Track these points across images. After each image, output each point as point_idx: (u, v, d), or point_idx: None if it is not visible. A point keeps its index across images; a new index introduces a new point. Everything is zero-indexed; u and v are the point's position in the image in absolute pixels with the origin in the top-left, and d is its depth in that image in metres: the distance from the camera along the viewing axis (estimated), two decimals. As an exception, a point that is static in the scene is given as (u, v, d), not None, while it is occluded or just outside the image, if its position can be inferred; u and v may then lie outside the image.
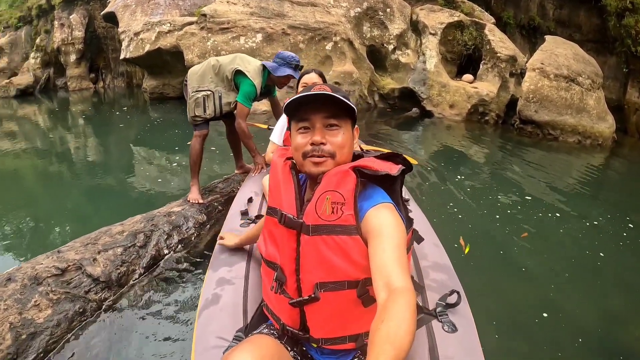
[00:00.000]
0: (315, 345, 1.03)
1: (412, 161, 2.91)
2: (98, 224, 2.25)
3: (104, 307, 1.78)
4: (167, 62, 8.78)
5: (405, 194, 2.01)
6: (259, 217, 1.94)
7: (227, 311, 1.26)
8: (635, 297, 2.30)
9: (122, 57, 9.02)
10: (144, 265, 2.06)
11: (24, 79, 12.14)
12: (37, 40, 12.62)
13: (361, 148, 2.45)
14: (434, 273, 1.45)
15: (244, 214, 1.97)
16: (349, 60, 7.77)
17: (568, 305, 2.16)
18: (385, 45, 7.96)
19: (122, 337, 1.68)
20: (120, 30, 8.85)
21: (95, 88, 13.72)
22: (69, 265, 1.81)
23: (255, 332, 1.12)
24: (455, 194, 3.71)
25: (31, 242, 2.80)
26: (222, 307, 1.27)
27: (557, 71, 5.73)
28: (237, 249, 1.57)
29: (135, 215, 2.39)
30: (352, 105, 1.01)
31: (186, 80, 2.77)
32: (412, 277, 1.20)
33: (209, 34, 7.48)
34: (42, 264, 1.77)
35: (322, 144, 1.00)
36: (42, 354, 1.47)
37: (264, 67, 2.64)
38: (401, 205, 1.13)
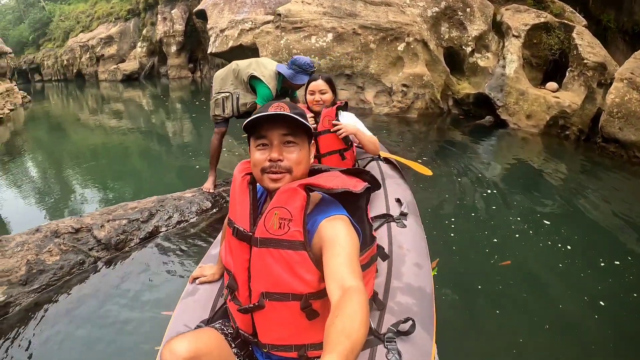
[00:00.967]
0: (264, 350, 1.14)
1: (427, 172, 3.06)
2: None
3: (99, 263, 2.45)
4: (249, 58, 9.82)
5: (407, 207, 2.04)
6: None
7: (200, 303, 1.44)
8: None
9: (208, 52, 10.33)
10: (141, 236, 2.70)
11: (130, 65, 14.60)
12: (144, 31, 15.07)
13: (379, 155, 2.73)
14: (402, 295, 1.41)
15: None
16: (421, 62, 7.82)
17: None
18: (463, 47, 7.83)
19: (107, 290, 2.28)
20: (208, 26, 10.16)
21: (193, 77, 15.79)
22: (82, 227, 2.51)
23: (216, 321, 1.29)
24: (518, 218, 3.46)
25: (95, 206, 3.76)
26: (197, 299, 1.47)
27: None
28: None
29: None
30: (308, 124, 1.11)
31: (212, 83, 3.36)
32: (375, 295, 1.34)
33: (283, 33, 8.22)
34: (64, 223, 2.51)
35: (280, 160, 1.09)
36: (44, 287, 2.17)
37: (279, 73, 2.98)
38: (366, 222, 1.21)
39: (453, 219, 3.36)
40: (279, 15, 8.22)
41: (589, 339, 2.08)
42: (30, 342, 1.89)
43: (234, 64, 3.18)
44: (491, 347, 2.02)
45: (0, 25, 29.88)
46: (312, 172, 1.20)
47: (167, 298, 2.17)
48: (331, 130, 2.47)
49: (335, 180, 1.08)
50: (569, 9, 7.13)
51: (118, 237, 2.59)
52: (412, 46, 7.73)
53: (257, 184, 1.19)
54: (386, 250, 1.67)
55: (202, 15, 10.84)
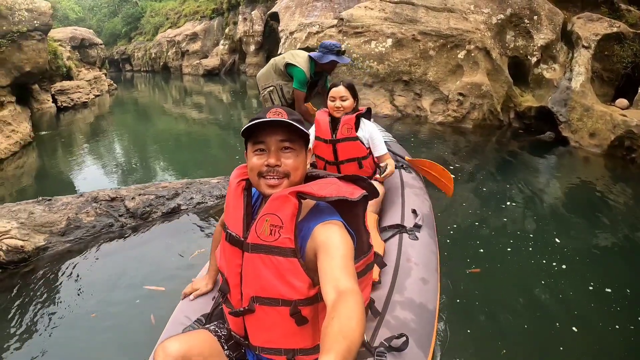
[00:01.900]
0: (255, 352, 1.18)
1: (448, 190, 3.19)
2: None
3: (124, 228, 2.98)
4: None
5: (422, 219, 2.00)
6: None
7: (206, 297, 1.51)
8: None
9: (278, 52, 10.98)
10: (164, 211, 3.20)
11: (212, 61, 15.93)
12: (227, 30, 16.33)
13: (404, 158, 2.92)
14: (402, 310, 1.39)
15: None
16: (481, 71, 7.63)
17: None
18: (528, 57, 7.50)
19: (127, 249, 2.80)
20: (280, 28, 10.80)
21: (269, 75, 16.74)
22: (117, 197, 3.07)
23: (212, 322, 1.35)
24: (567, 248, 3.12)
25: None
26: (196, 299, 1.53)
27: None
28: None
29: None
30: (305, 131, 1.13)
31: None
32: (372, 303, 1.35)
33: (344, 37, 8.52)
34: (104, 192, 3.09)
35: (277, 165, 1.11)
36: (77, 239, 2.74)
37: (310, 57, 3.32)
38: (362, 231, 1.21)
39: (490, 237, 3.20)
40: (342, 19, 8.54)
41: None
42: (57, 276, 2.47)
43: (272, 60, 3.56)
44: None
45: (96, 18, 33.49)
46: (310, 177, 1.22)
47: (169, 265, 2.62)
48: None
49: (330, 187, 1.10)
50: (647, 19, 6.50)
51: (144, 209, 3.10)
52: (472, 54, 7.58)
53: (253, 188, 1.23)
54: (393, 262, 1.66)
55: (276, 17, 11.55)
